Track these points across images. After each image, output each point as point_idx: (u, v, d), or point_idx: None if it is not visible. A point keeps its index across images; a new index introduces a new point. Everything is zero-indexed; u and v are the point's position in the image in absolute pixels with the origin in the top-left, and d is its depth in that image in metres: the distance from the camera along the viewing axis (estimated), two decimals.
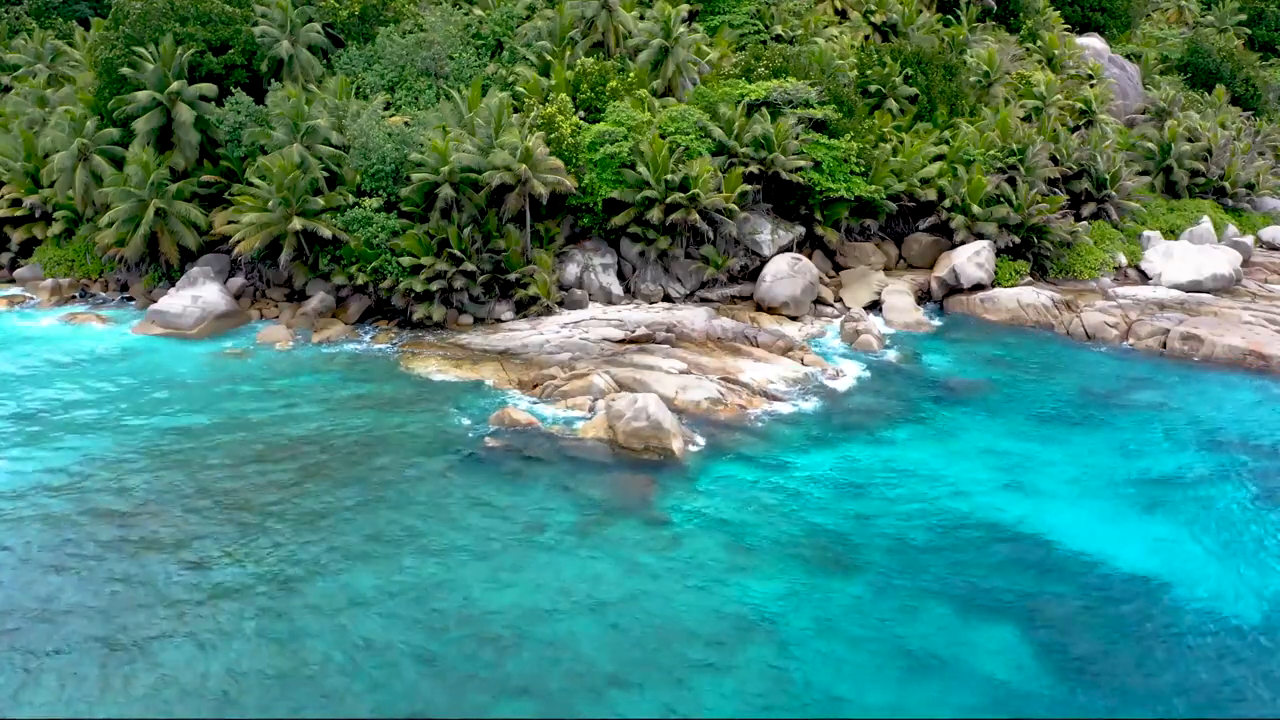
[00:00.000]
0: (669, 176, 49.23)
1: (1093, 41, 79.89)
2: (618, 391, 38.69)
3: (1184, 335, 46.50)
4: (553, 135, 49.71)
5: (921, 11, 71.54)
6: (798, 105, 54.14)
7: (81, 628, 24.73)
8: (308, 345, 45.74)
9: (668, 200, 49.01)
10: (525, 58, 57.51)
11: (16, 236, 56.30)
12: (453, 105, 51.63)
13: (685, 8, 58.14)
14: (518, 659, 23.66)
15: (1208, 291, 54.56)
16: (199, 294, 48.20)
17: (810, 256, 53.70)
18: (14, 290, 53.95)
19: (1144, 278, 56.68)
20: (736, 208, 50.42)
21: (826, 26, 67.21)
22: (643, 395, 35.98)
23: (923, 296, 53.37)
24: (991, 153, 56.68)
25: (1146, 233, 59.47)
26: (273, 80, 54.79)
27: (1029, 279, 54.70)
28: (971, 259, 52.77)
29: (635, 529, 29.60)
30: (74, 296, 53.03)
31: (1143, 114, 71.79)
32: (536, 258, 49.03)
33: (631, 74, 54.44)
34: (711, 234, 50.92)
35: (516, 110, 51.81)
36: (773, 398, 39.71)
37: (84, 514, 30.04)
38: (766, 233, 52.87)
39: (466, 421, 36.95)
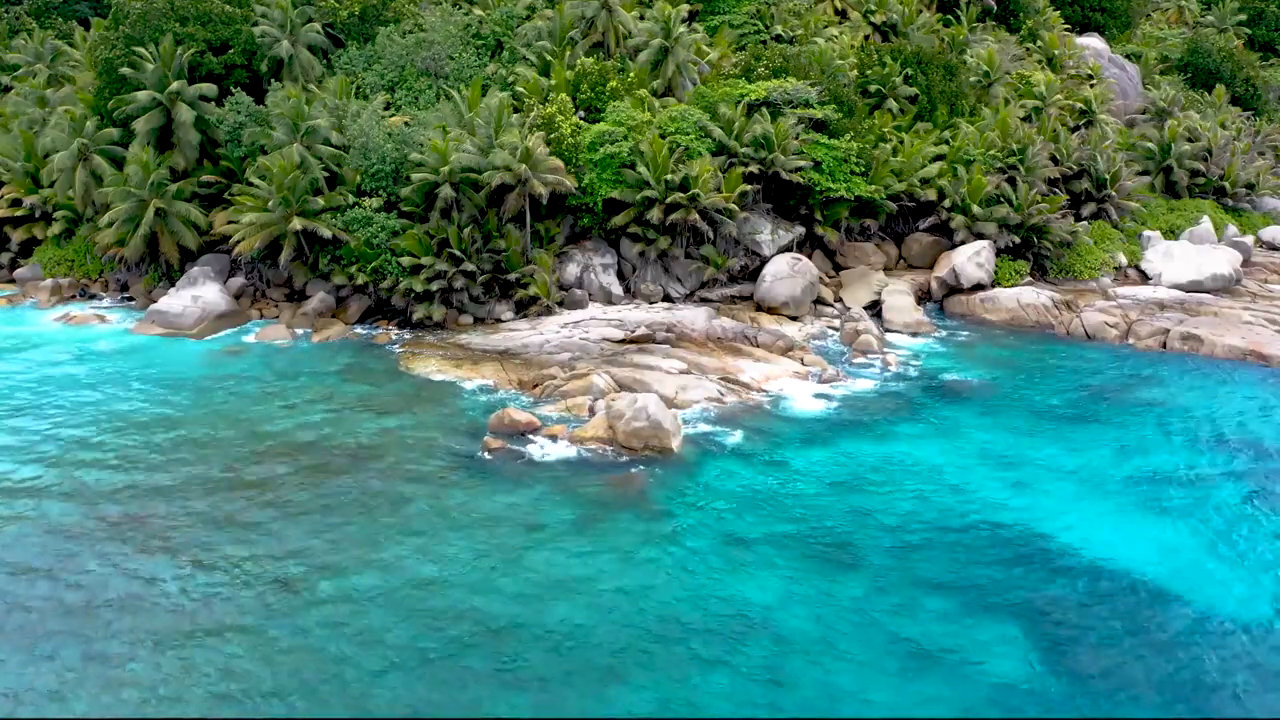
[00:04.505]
0: (669, 176, 49.22)
1: (1093, 41, 79.92)
2: (618, 391, 38.69)
3: (1184, 335, 46.52)
4: (553, 135, 49.72)
5: (921, 11, 71.57)
6: (798, 105, 54.15)
7: (77, 627, 24.69)
8: (307, 345, 45.76)
9: (668, 200, 49.01)
10: (525, 58, 57.52)
11: (16, 236, 56.34)
12: (453, 105, 51.66)
13: (685, 8, 58.11)
14: (517, 655, 23.66)
15: (1208, 291, 54.58)
16: (199, 294, 48.22)
17: (810, 256, 53.70)
18: (14, 290, 54.01)
19: (1144, 278, 56.71)
20: (736, 208, 50.41)
21: (826, 26, 67.22)
22: (642, 395, 35.97)
23: (923, 296, 53.38)
24: (991, 153, 56.67)
25: (1146, 233, 59.48)
26: (273, 80, 54.83)
27: (1029, 279, 54.69)
28: (971, 259, 52.78)
29: (635, 527, 29.60)
30: (74, 296, 53.08)
31: (1143, 114, 71.80)
32: (536, 258, 49.03)
33: (631, 74, 54.43)
34: (711, 234, 50.91)
35: (516, 110, 51.82)
36: (772, 397, 39.70)
37: (79, 513, 29.99)
38: (766, 233, 52.87)
39: (466, 421, 36.93)
